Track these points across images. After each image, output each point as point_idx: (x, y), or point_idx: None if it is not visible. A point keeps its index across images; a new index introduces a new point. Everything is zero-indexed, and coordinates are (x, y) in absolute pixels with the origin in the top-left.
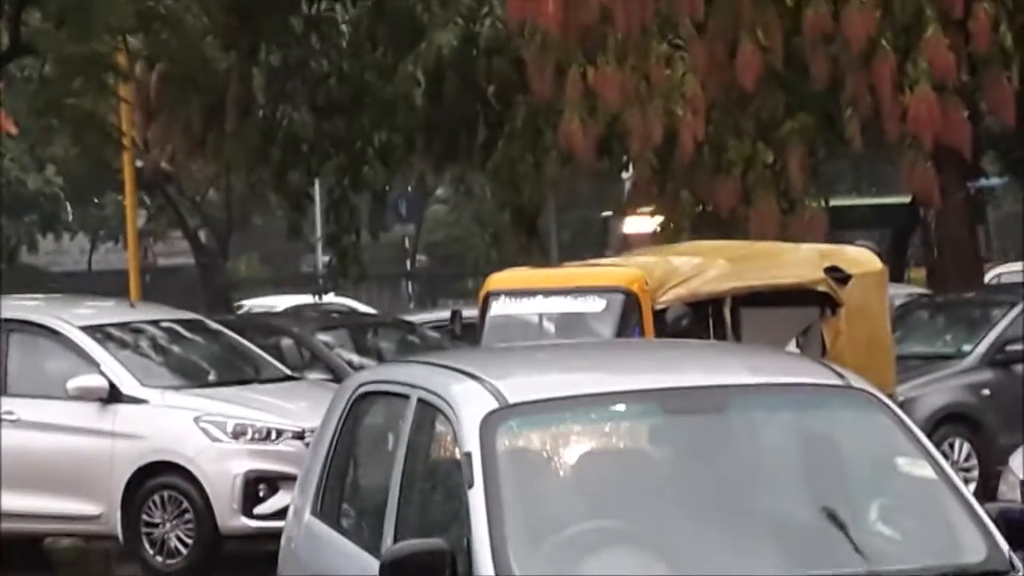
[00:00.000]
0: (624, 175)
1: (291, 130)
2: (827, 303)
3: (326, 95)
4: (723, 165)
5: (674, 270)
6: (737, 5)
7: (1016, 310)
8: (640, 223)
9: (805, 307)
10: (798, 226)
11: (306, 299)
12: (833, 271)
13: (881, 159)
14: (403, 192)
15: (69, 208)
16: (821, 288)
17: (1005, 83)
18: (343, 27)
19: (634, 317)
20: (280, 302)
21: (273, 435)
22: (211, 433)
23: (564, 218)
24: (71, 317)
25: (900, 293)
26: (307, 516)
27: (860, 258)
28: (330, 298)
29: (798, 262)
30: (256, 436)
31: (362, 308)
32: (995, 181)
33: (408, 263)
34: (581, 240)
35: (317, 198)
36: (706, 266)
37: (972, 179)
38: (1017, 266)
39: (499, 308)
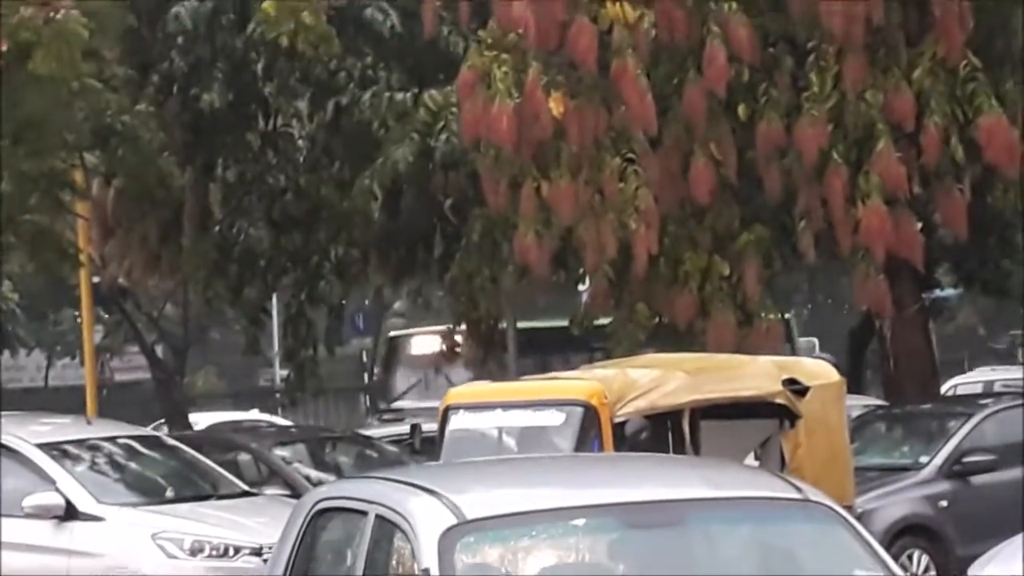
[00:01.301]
0: (581, 287)
1: (248, 245)
2: (785, 415)
3: (283, 210)
4: (679, 277)
5: (633, 383)
6: (690, 119)
7: (973, 421)
8: (427, 342)
9: (764, 419)
10: (755, 338)
11: (227, 416)
12: (791, 383)
13: (836, 271)
14: (360, 306)
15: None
16: (779, 400)
17: (957, 195)
18: (300, 143)
19: (593, 430)
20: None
21: (231, 552)
22: (168, 550)
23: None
24: (27, 434)
25: (857, 404)
26: None
27: (818, 370)
28: (254, 414)
29: (756, 374)
30: (213, 553)
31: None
32: (949, 293)
33: (366, 377)
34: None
35: (275, 312)
36: (665, 379)
37: (926, 291)
38: (973, 376)
39: (458, 422)
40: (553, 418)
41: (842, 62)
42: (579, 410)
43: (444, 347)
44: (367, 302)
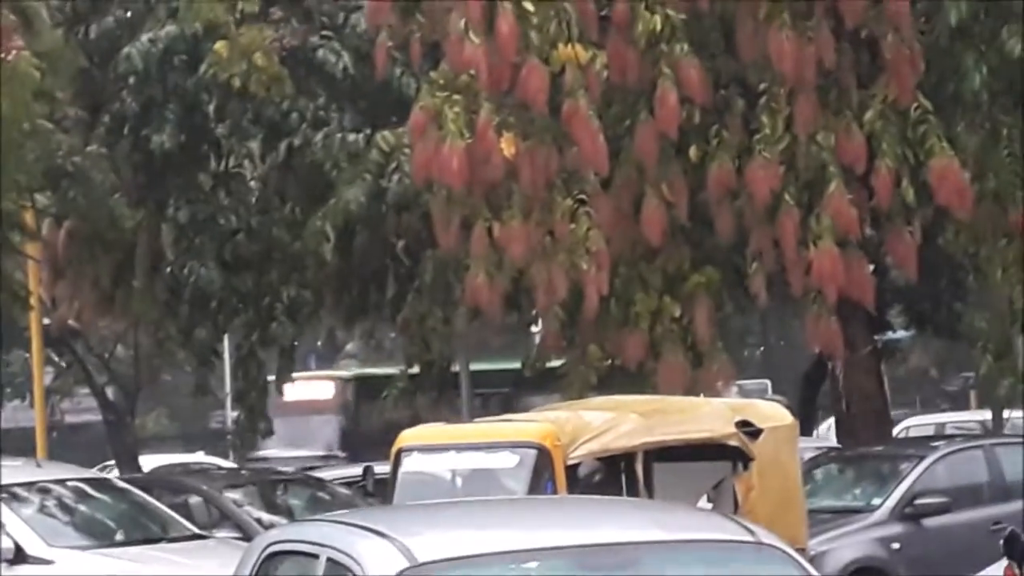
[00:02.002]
0: (533, 329)
1: (199, 286)
2: (739, 457)
3: (234, 251)
4: (630, 319)
5: (586, 425)
6: (642, 160)
7: (925, 463)
8: (305, 389)
9: (717, 462)
10: (706, 380)
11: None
12: (744, 425)
13: (787, 313)
14: (312, 347)
15: None
16: (732, 442)
17: (908, 237)
18: (252, 183)
19: (547, 473)
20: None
21: None
22: None
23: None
24: None
25: (810, 447)
26: None
27: (770, 412)
28: (199, 456)
29: (709, 416)
30: None
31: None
32: (901, 335)
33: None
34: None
35: (226, 354)
36: (618, 421)
37: (878, 333)
38: (925, 419)
39: (411, 464)
40: (506, 460)
41: (793, 104)
42: (532, 452)
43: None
44: (319, 343)
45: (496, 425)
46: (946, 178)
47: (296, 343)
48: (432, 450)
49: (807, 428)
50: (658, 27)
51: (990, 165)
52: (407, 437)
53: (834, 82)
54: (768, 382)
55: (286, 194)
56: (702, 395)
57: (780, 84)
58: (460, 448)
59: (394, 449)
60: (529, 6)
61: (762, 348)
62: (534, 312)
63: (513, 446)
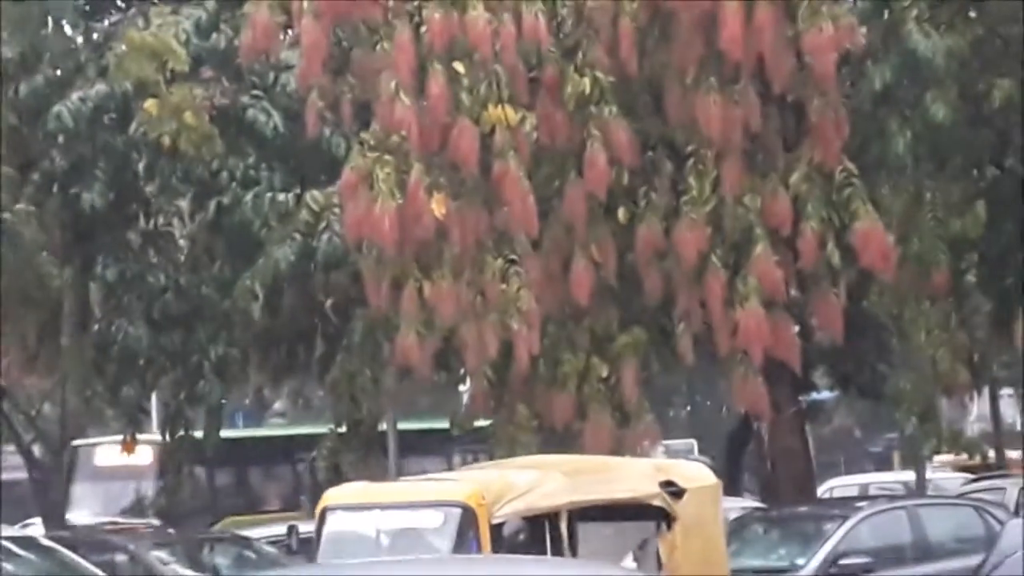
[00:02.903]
0: (462, 388)
1: (127, 344)
2: (662, 517)
3: (163, 309)
4: (558, 379)
5: (511, 485)
6: (571, 221)
7: (849, 524)
8: (113, 454)
9: (641, 521)
10: (632, 440)
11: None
12: (668, 485)
13: (713, 373)
14: (240, 405)
15: None
16: (656, 502)
17: (833, 299)
18: (181, 242)
19: (471, 532)
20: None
21: None
22: None
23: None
24: None
25: (735, 506)
26: None
27: (694, 473)
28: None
29: (634, 476)
30: None
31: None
32: (826, 395)
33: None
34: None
35: (153, 412)
36: (543, 480)
37: (803, 393)
38: (849, 479)
39: (335, 523)
40: (431, 520)
41: (720, 166)
42: (457, 511)
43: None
44: (248, 401)
45: (421, 484)
46: (870, 241)
47: (224, 401)
48: (356, 509)
49: (733, 488)
50: (587, 89)
51: (914, 228)
52: (332, 496)
53: (760, 145)
54: (694, 442)
55: (215, 253)
56: (628, 455)
57: (707, 147)
58: (384, 507)
59: (319, 508)
60: (459, 67)
61: (688, 408)
62: (462, 372)
63: (437, 505)
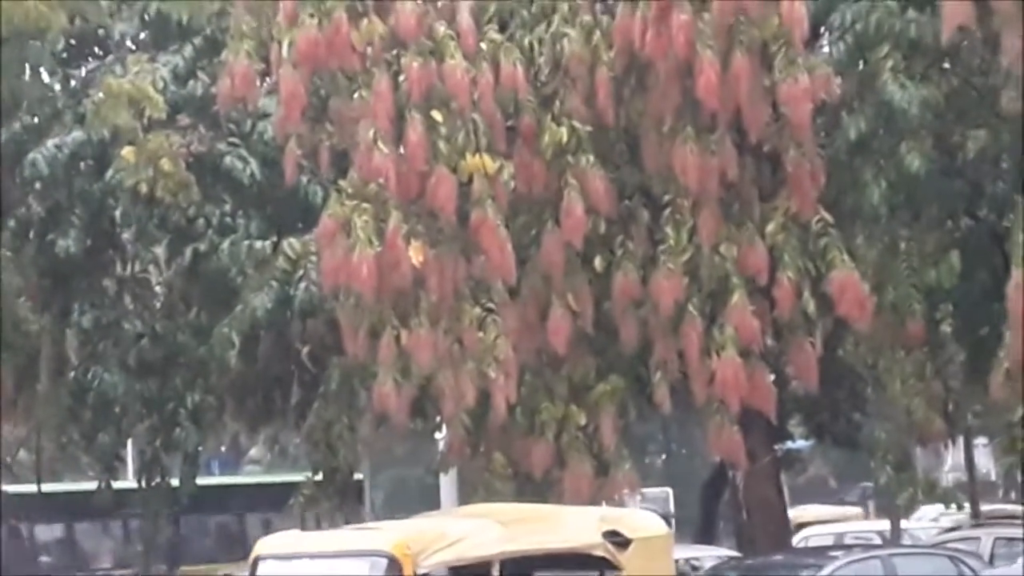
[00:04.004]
0: (438, 436)
1: (103, 391)
2: (607, 568)
3: (139, 356)
4: (536, 427)
5: (442, 534)
6: (548, 270)
7: (824, 573)
8: None
9: (584, 571)
10: (610, 488)
11: None
12: (612, 535)
13: (690, 421)
14: (216, 452)
15: None
16: (599, 552)
17: (808, 348)
18: (157, 289)
19: None
20: None
21: None
22: None
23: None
24: None
25: (710, 555)
26: None
27: (642, 523)
28: None
29: (576, 526)
30: None
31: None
32: (801, 444)
33: None
34: (395, 500)
35: (129, 459)
36: (477, 530)
37: (779, 442)
38: (824, 528)
39: (266, 571)
40: (358, 569)
41: (697, 216)
42: (383, 561)
43: None
44: (223, 448)
45: (351, 533)
46: (846, 290)
47: (200, 448)
48: (287, 558)
49: (708, 536)
50: (564, 138)
51: (889, 278)
52: (264, 545)
53: (737, 194)
54: (670, 490)
55: (191, 300)
56: (606, 503)
57: (684, 196)
58: (313, 556)
59: (252, 556)
60: (438, 116)
61: (664, 456)
62: (439, 419)
63: (364, 555)
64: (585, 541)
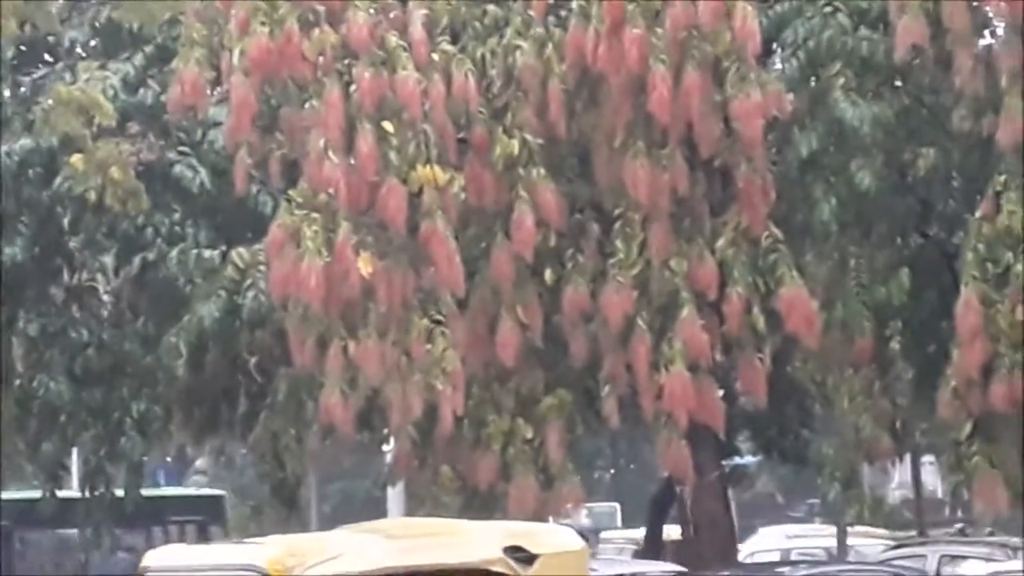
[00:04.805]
0: (385, 448)
1: (48, 399)
2: None
3: (85, 364)
4: (482, 440)
5: (320, 549)
6: (497, 282)
7: None
8: None
9: None
10: (556, 502)
11: None
12: (515, 550)
13: (638, 436)
14: (162, 462)
15: None
16: (498, 568)
17: (757, 364)
18: (105, 297)
19: None
20: None
21: None
22: None
23: (325, 490)
24: None
25: (656, 571)
26: None
27: (552, 538)
28: None
29: (474, 541)
30: None
31: None
32: (749, 460)
33: None
34: (342, 512)
35: (74, 468)
36: (360, 544)
37: (726, 457)
38: (770, 544)
39: None
40: None
41: (647, 230)
42: (254, 575)
43: None
44: (169, 458)
45: (231, 547)
46: (795, 307)
47: (145, 458)
48: (169, 571)
49: (655, 551)
50: (516, 151)
51: (838, 295)
52: (151, 557)
53: (687, 209)
54: (617, 505)
55: (139, 309)
56: (551, 517)
57: (635, 210)
58: (193, 570)
59: (140, 567)
60: (389, 127)
61: (612, 471)
62: (386, 432)
63: (237, 569)
64: (483, 556)
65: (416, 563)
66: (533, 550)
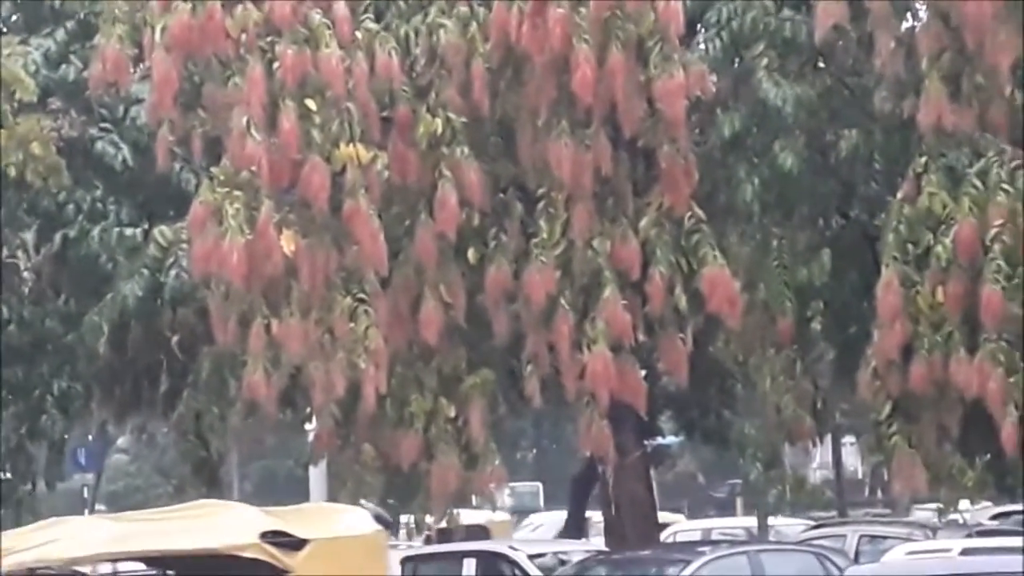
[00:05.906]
0: (308, 427)
1: None
2: (268, 571)
3: (5, 342)
4: (405, 419)
5: (29, 536)
6: (420, 261)
7: (691, 568)
8: None
9: (236, 574)
10: (479, 482)
11: None
12: (275, 535)
13: (561, 416)
14: (83, 441)
15: None
16: (250, 554)
17: (679, 344)
18: (25, 274)
19: None
20: None
21: None
22: None
23: (246, 469)
24: None
25: (578, 549)
26: None
27: (326, 521)
28: None
29: (225, 526)
30: None
31: None
32: (671, 440)
33: (87, 513)
34: (264, 491)
35: None
36: (82, 531)
37: (648, 438)
38: (692, 524)
39: None
40: None
41: (571, 210)
42: None
43: None
44: (90, 437)
45: None
46: (717, 287)
47: (66, 437)
48: None
49: (578, 531)
50: (439, 130)
51: (760, 275)
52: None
53: (611, 189)
54: (540, 485)
55: (60, 286)
56: (475, 497)
57: (558, 190)
58: None
59: None
60: (312, 104)
61: (535, 451)
62: (309, 410)
63: None
64: (233, 542)
65: (142, 549)
66: (300, 535)
